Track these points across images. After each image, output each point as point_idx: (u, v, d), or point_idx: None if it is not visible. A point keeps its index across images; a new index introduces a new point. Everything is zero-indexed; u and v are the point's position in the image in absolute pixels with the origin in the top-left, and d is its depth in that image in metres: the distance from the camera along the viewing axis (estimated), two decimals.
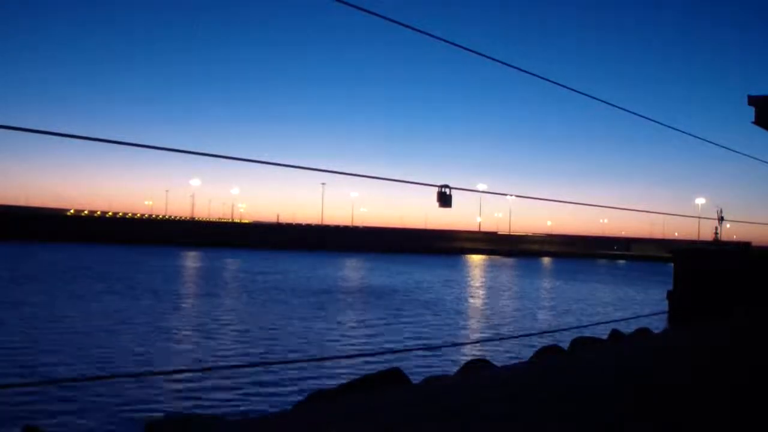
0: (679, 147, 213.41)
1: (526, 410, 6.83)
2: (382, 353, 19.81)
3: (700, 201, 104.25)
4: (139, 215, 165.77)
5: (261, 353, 21.48)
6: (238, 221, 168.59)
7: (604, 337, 20.70)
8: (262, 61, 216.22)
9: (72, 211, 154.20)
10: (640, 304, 42.83)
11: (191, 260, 76.70)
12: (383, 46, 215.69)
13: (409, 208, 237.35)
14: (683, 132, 16.92)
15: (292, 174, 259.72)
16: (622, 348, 14.46)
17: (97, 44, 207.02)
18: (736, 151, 19.58)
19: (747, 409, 7.32)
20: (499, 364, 14.98)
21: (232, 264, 70.35)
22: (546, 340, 21.45)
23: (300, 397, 13.59)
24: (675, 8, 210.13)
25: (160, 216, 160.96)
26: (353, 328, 28.07)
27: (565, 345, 18.37)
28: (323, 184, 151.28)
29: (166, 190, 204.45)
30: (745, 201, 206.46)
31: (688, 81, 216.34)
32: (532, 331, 26.85)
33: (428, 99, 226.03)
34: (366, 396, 8.46)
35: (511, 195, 62.44)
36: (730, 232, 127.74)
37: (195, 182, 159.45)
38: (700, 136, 16.65)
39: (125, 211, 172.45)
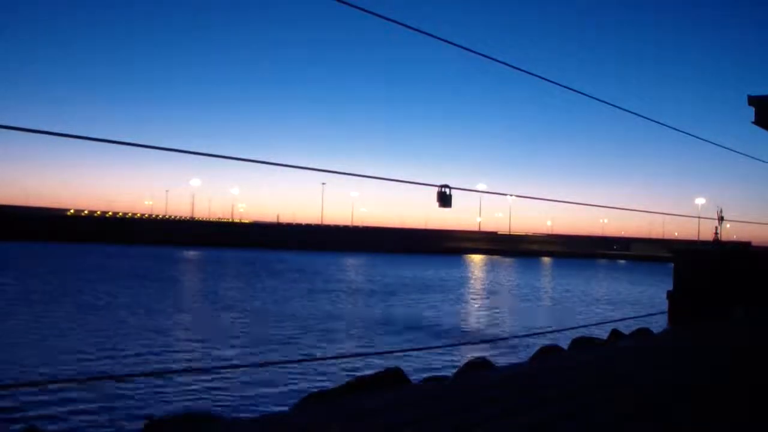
0: (679, 147, 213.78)
1: (526, 410, 6.84)
2: (382, 353, 19.78)
3: (700, 201, 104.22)
4: (139, 215, 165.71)
5: (261, 353, 21.47)
6: (238, 221, 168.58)
7: (604, 337, 20.67)
8: (261, 62, 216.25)
9: (72, 211, 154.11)
10: (640, 304, 42.82)
11: (191, 260, 76.68)
12: (383, 46, 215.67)
13: (409, 208, 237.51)
14: (683, 132, 16.94)
15: (292, 174, 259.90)
16: (622, 348, 14.46)
17: (97, 44, 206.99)
18: (736, 151, 19.63)
19: (747, 408, 7.32)
20: (499, 364, 14.97)
21: (231, 264, 70.33)
22: (546, 340, 21.41)
23: (300, 397, 13.57)
24: (674, 8, 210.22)
25: (160, 216, 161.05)
26: (353, 328, 28.07)
27: (565, 345, 18.34)
28: (323, 184, 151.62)
29: (166, 190, 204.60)
30: (745, 201, 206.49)
31: (688, 81, 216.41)
32: (532, 331, 26.83)
33: (428, 99, 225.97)
34: (366, 396, 8.46)
35: (511, 195, 62.69)
36: (730, 232, 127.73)
37: (195, 182, 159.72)
38: (700, 136, 16.68)
39: (125, 211, 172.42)
